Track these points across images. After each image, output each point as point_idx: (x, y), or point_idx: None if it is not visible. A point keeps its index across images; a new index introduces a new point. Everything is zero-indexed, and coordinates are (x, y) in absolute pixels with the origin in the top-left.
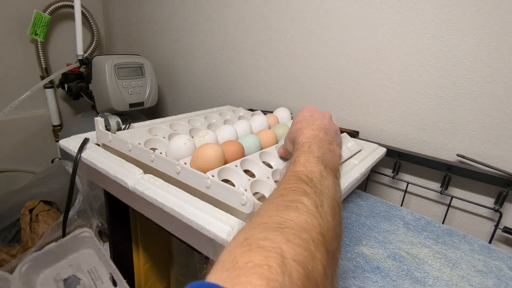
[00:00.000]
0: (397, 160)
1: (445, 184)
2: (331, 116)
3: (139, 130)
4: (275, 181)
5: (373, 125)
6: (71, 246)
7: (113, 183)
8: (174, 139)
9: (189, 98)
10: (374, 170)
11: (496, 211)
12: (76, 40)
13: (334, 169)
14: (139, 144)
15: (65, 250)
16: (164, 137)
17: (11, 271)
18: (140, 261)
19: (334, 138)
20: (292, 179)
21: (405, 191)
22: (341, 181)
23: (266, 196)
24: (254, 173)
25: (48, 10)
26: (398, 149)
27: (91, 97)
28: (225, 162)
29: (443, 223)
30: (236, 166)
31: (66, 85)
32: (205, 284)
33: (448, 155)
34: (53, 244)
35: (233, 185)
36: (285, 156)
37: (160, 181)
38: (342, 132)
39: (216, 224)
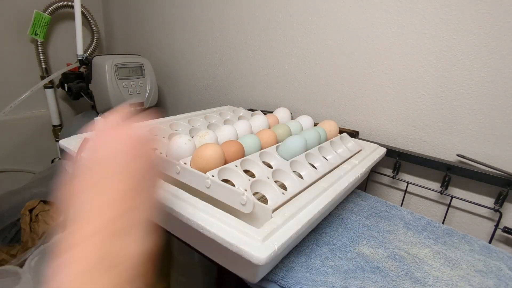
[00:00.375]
0: (397, 160)
1: (445, 184)
2: (148, 139)
3: None
4: (275, 181)
5: (373, 125)
6: None
7: None
8: (174, 139)
9: (189, 98)
10: (374, 170)
11: (496, 211)
12: (76, 40)
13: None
14: None
15: None
16: (164, 137)
17: (21, 265)
18: None
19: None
20: None
21: (405, 191)
22: (340, 182)
23: (266, 196)
24: (254, 173)
25: (48, 10)
26: (398, 149)
27: (91, 97)
28: (225, 162)
29: (443, 223)
30: (236, 166)
31: (66, 85)
32: None
33: (448, 155)
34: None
35: (233, 185)
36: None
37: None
38: (342, 132)
39: (216, 224)
